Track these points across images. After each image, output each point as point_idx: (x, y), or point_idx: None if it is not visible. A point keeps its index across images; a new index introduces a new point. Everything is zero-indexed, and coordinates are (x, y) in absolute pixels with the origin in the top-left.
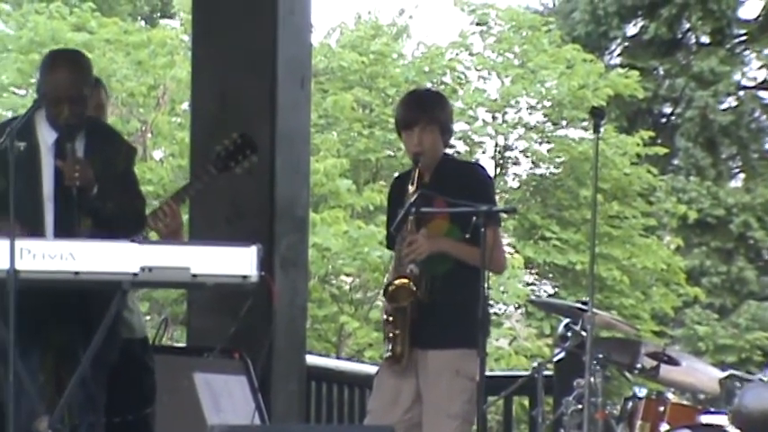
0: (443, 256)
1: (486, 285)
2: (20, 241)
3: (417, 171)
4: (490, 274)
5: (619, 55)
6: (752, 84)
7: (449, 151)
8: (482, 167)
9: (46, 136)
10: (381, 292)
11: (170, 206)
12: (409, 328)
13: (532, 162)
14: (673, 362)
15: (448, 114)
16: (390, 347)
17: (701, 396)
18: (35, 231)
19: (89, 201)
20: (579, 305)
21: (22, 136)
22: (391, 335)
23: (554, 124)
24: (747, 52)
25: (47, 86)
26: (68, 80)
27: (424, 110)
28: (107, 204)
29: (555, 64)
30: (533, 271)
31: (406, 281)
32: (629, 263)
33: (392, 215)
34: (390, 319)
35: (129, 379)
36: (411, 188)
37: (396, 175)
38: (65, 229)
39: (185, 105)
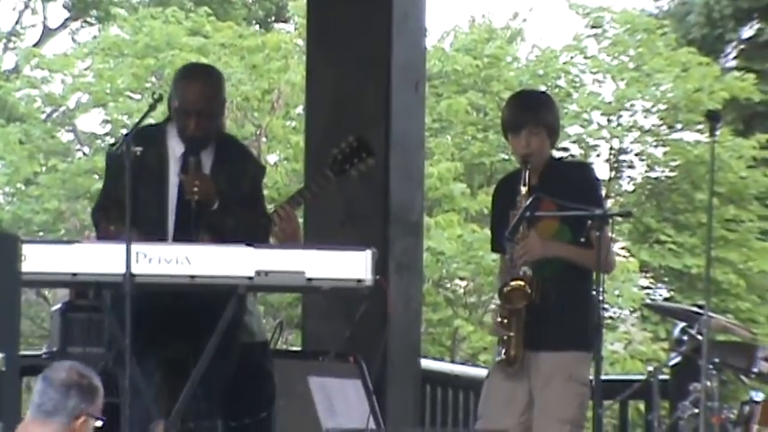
0: (554, 258)
1: (601, 288)
2: (136, 245)
3: (528, 173)
4: (605, 277)
5: (734, 58)
6: None
7: (563, 155)
8: (589, 167)
9: (175, 147)
10: (496, 293)
11: (285, 210)
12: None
13: (647, 165)
14: None
15: (555, 115)
16: (504, 350)
17: None
18: (160, 240)
19: (208, 215)
20: (695, 309)
21: (153, 144)
22: (505, 337)
23: (669, 127)
24: None
25: (177, 99)
26: (197, 94)
27: (532, 112)
28: (227, 220)
29: (670, 67)
30: (648, 275)
31: (521, 283)
32: (745, 266)
33: (498, 217)
34: (505, 321)
35: (248, 383)
36: (523, 190)
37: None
38: (182, 241)
39: (299, 109)
